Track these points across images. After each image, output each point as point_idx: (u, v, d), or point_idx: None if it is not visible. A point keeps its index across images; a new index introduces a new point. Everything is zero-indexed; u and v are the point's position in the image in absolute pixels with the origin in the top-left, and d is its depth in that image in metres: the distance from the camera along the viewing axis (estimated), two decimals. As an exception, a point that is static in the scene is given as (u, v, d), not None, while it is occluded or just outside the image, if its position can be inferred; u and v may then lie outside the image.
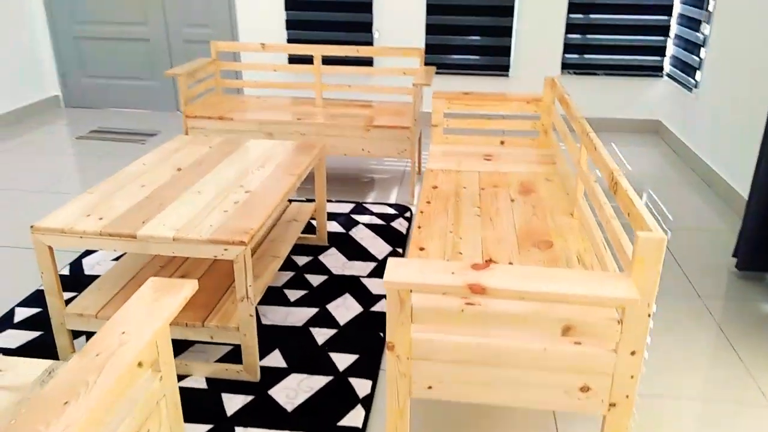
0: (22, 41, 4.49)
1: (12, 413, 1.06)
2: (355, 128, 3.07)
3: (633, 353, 1.26)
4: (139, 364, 1.06)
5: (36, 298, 2.21)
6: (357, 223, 2.88)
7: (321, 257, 2.55)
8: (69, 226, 1.69)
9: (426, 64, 4.35)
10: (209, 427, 1.63)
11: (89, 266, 2.44)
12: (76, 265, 2.45)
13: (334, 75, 4.23)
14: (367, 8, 4.31)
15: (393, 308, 1.26)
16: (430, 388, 1.35)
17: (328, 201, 3.13)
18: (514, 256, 1.76)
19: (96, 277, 2.36)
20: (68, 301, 2.16)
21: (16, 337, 1.98)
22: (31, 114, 4.57)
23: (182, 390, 1.78)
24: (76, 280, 2.34)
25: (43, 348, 1.93)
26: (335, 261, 2.52)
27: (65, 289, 2.27)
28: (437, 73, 4.40)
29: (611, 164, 1.56)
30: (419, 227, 1.92)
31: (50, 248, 1.72)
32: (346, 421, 1.65)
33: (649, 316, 1.21)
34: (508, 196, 2.18)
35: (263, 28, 4.46)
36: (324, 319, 2.12)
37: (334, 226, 2.84)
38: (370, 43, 4.40)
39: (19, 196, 3.13)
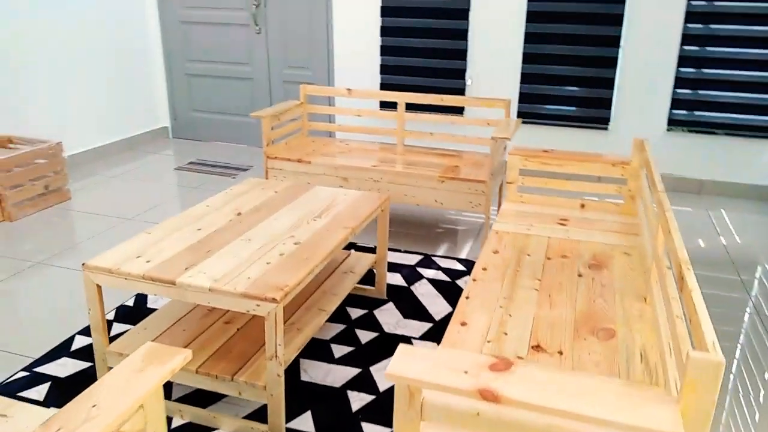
0: (140, 76, 4.86)
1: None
2: (429, 179, 2.98)
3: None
4: (120, 435, 1.02)
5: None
6: (421, 277, 2.77)
7: (376, 312, 2.46)
8: (116, 267, 1.73)
9: (519, 113, 4.21)
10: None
11: (153, 299, 2.51)
12: (141, 296, 2.53)
13: (418, 122, 4.18)
14: (461, 55, 4.25)
15: (401, 403, 1.14)
16: (440, 491, 1.21)
17: (396, 250, 3.04)
18: (566, 343, 1.57)
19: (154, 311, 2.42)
20: (120, 335, 2.21)
21: (67, 366, 2.05)
22: (141, 143, 4.91)
23: (207, 443, 1.74)
24: (138, 312, 2.41)
25: (88, 380, 1.98)
26: (390, 317, 2.42)
27: (125, 320, 2.34)
28: (530, 122, 4.23)
29: (681, 254, 1.35)
30: (467, 297, 1.78)
31: (98, 286, 1.76)
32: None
33: (701, 449, 1.01)
34: (575, 269, 1.99)
35: (358, 71, 4.52)
36: (364, 382, 2.02)
37: (397, 279, 2.75)
38: (462, 90, 4.33)
39: (113, 223, 3.32)
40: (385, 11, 4.31)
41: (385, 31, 4.36)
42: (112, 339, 2.21)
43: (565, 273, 1.96)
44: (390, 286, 2.68)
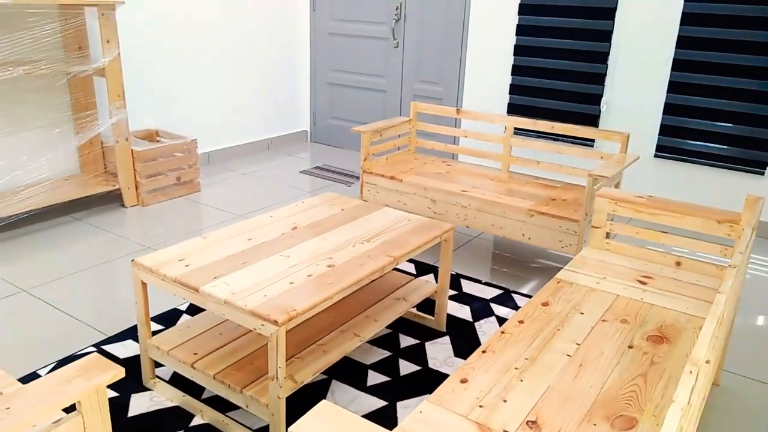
0: (287, 82, 5.19)
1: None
2: (518, 210, 2.80)
3: None
4: (51, 433, 1.09)
5: (167, 317, 2.49)
6: (491, 314, 2.61)
7: (428, 344, 2.37)
8: (157, 267, 1.87)
9: (659, 147, 3.78)
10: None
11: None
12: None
13: (528, 149, 3.95)
14: (599, 80, 3.94)
15: (320, 456, 1.08)
16: None
17: (477, 281, 2.90)
18: (569, 425, 1.37)
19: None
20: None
21: (128, 348, 2.25)
22: (281, 144, 5.25)
23: (213, 447, 1.80)
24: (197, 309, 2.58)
25: (138, 365, 2.16)
26: (440, 352, 2.32)
27: (191, 312, 2.51)
28: (670, 158, 3.79)
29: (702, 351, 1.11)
30: (484, 351, 1.64)
31: (143, 284, 1.91)
32: None
33: None
34: (629, 339, 1.74)
35: (487, 90, 4.40)
36: (386, 417, 1.95)
37: (464, 312, 2.62)
38: (595, 117, 4.01)
39: (226, 217, 3.60)
40: (521, 30, 4.13)
41: (518, 50, 4.18)
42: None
43: (614, 341, 1.72)
44: (453, 319, 2.56)
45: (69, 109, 3.62)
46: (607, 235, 2.34)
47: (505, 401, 1.45)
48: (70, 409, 1.32)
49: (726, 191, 3.68)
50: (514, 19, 4.15)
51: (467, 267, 3.09)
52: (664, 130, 3.79)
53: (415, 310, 2.58)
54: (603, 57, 3.90)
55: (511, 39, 4.20)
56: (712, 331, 1.22)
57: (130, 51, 3.92)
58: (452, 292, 2.79)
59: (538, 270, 3.09)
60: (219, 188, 4.11)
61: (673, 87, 3.70)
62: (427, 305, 2.65)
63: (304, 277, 1.86)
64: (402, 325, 2.51)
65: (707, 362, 1.36)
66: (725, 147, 3.62)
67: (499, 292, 2.83)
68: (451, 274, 2.97)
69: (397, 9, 4.72)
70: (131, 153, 3.61)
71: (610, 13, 3.81)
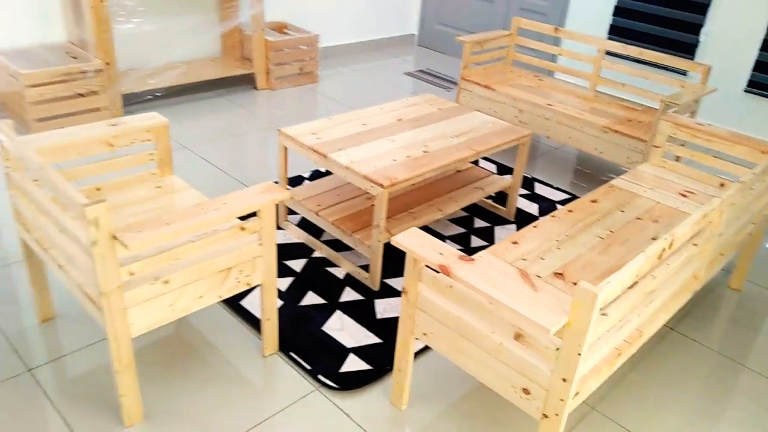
0: (399, -14, 5.54)
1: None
2: (593, 126, 3.18)
3: (564, 380, 1.43)
4: (242, 228, 1.75)
5: (294, 180, 3.15)
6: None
7: (497, 227, 2.91)
8: (296, 137, 2.48)
9: (751, 82, 3.93)
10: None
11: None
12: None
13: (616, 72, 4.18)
14: (702, 9, 4.05)
15: (409, 265, 1.67)
16: (424, 335, 1.74)
17: (548, 185, 3.36)
18: (586, 279, 1.89)
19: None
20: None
21: (265, 198, 2.94)
22: (389, 46, 5.69)
23: (322, 269, 2.47)
24: (317, 175, 3.22)
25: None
26: (504, 234, 2.85)
27: (311, 179, 3.16)
28: (759, 94, 3.93)
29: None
30: (535, 227, 2.16)
31: (285, 148, 2.54)
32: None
33: (579, 355, 1.38)
34: (654, 233, 2.19)
35: (592, 10, 4.58)
36: (453, 271, 2.54)
37: (533, 208, 3.12)
38: (694, 46, 4.16)
39: (339, 108, 4.18)
40: (632, -48, 4.24)
41: (626, -27, 4.31)
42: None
43: (642, 234, 2.18)
44: (521, 212, 3.07)
45: (217, -1, 4.23)
46: (676, 158, 2.71)
47: (542, 259, 1.98)
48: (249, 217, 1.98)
49: (809, 131, 3.81)
50: (628, -59, 4.25)
51: (544, 173, 3.54)
52: (759, 66, 3.91)
53: (491, 202, 3.10)
54: (712, -14, 3.98)
55: (622, -39, 4.31)
56: (695, 218, 1.67)
57: (268, -51, 4.42)
58: (526, 192, 3.28)
59: (605, 182, 3.49)
60: (334, 81, 4.67)
61: (776, 23, 3.78)
62: (502, 200, 3.15)
63: (404, 158, 2.41)
64: (478, 210, 3.04)
65: (695, 245, 1.82)
66: (818, 88, 3.72)
67: (566, 196, 3.28)
68: (527, 177, 3.44)
69: None
70: (265, 42, 4.21)
71: (725, -57, 3.85)
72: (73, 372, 1.93)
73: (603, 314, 1.47)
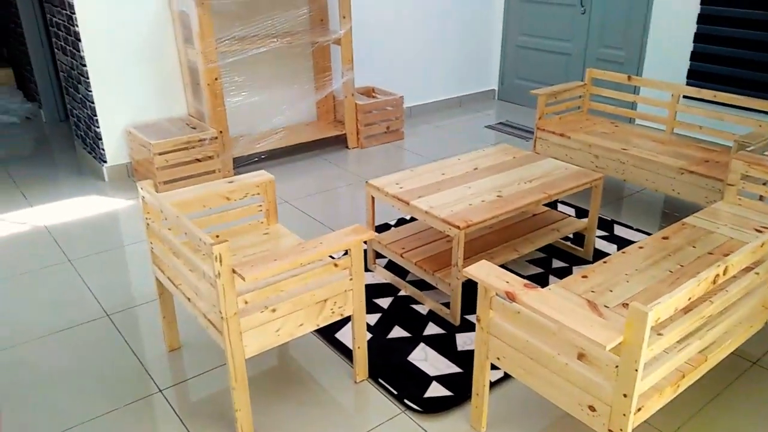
0: (480, 44, 5.88)
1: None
2: (669, 168, 3.27)
3: (624, 395, 1.57)
4: (335, 265, 2.04)
5: (381, 228, 3.45)
6: (632, 252, 3.17)
7: (575, 267, 3.04)
8: (382, 187, 2.78)
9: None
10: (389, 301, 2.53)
11: (422, 218, 3.55)
12: (416, 215, 3.60)
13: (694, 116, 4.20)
14: (782, 48, 4.06)
15: (480, 294, 1.88)
16: (498, 359, 1.92)
17: (628, 227, 3.45)
18: (653, 309, 2.01)
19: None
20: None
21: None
22: (470, 101, 6.00)
23: (408, 306, 2.70)
24: (401, 223, 3.49)
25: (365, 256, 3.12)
26: (582, 274, 2.97)
27: (396, 225, 3.44)
28: None
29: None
30: (605, 262, 2.30)
31: (372, 198, 2.85)
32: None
33: (636, 371, 1.52)
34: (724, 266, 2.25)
35: (669, 56, 4.68)
36: (531, 308, 2.69)
37: (612, 249, 3.22)
38: (777, 85, 4.14)
39: (423, 161, 4.49)
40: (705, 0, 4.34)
41: (701, 19, 4.40)
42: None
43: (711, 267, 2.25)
44: (600, 252, 3.18)
45: (311, 70, 4.74)
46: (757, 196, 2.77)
47: (611, 291, 2.12)
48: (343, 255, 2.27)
49: None
50: (701, -11, 4.36)
51: (626, 216, 3.63)
52: None
53: (569, 244, 3.23)
54: (792, 26, 4.00)
55: (695, 7, 4.42)
56: (752, 246, 1.76)
57: (358, 24, 4.91)
58: (604, 233, 3.38)
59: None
60: (418, 137, 5.01)
61: None
62: (581, 242, 3.28)
63: (479, 202, 2.64)
64: (557, 252, 3.19)
65: (756, 273, 1.90)
66: None
67: (645, 237, 3.35)
68: (606, 220, 3.54)
69: (588, -22, 5.11)
70: (355, 106, 4.63)
71: (801, -17, 3.88)
72: (196, 393, 2.27)
73: (659, 334, 1.61)
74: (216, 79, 3.91)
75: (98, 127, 4.01)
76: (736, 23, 4.22)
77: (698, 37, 4.45)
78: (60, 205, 3.79)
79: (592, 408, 1.67)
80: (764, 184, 3.15)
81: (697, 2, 4.40)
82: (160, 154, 3.77)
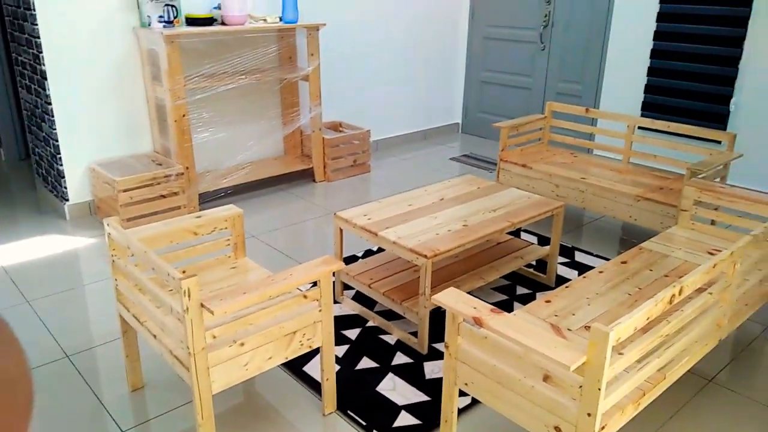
0: (443, 80, 6.04)
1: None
2: (627, 196, 3.39)
3: (588, 415, 1.61)
4: (305, 296, 2.05)
5: (348, 260, 3.47)
6: (595, 278, 3.26)
7: (538, 293, 3.10)
8: (350, 219, 2.82)
9: (779, 145, 4.06)
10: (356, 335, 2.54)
11: (390, 250, 3.59)
12: (384, 246, 3.64)
13: (647, 145, 4.38)
14: (729, 82, 4.28)
15: (449, 321, 1.92)
16: (466, 384, 1.95)
17: (588, 253, 3.54)
18: (614, 331, 2.06)
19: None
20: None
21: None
22: (435, 135, 6.13)
23: (376, 337, 2.72)
24: (368, 254, 3.52)
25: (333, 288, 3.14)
26: (547, 300, 3.03)
27: (364, 257, 3.47)
28: (792, 156, 4.05)
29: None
30: (567, 287, 2.36)
31: (340, 230, 2.88)
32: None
33: (599, 389, 1.56)
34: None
35: (624, 89, 4.89)
36: (498, 335, 2.73)
37: (573, 275, 3.30)
38: (725, 116, 4.36)
39: (388, 192, 4.55)
40: (658, 36, 4.57)
41: (654, 54, 4.62)
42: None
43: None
44: (562, 278, 3.25)
45: (279, 106, 4.80)
46: (714, 221, 2.89)
47: (573, 314, 2.18)
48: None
49: None
50: (652, 26, 4.59)
51: (586, 242, 3.73)
52: (793, 129, 4.05)
53: (533, 270, 3.30)
54: (734, 62, 4.23)
55: (648, 43, 4.65)
56: (705, 267, 1.85)
57: (325, 61, 5.01)
58: (566, 260, 3.47)
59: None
60: (384, 170, 5.09)
61: (802, 89, 3.96)
62: (544, 269, 3.35)
63: (445, 231, 2.70)
64: (520, 279, 3.25)
65: (710, 293, 1.98)
66: None
67: (605, 262, 3.44)
68: (568, 247, 3.63)
69: (545, 16, 5.34)
70: (322, 140, 4.69)
71: (742, 22, 4.13)
72: None
73: (620, 353, 1.66)
74: (183, 115, 3.93)
75: (61, 165, 3.96)
76: (687, 58, 4.44)
77: (651, 71, 4.67)
78: (19, 245, 3.71)
79: (558, 429, 1.70)
80: (716, 209, 3.29)
81: (650, 38, 4.63)
82: (124, 191, 3.74)
